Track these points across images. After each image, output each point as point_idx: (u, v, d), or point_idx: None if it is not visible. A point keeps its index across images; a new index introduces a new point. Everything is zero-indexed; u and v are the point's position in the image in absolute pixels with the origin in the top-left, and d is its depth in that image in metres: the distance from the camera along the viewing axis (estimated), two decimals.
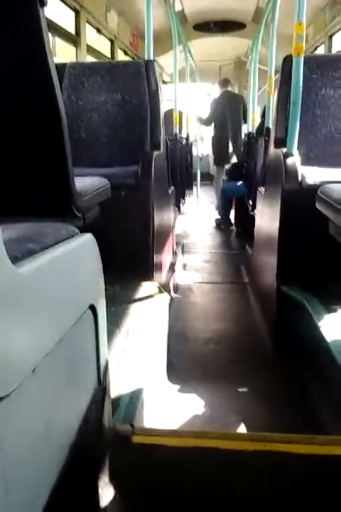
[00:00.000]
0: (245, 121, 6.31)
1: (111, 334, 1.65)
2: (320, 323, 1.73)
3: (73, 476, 0.75)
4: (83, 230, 0.92)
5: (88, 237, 0.86)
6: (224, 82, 6.42)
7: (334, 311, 1.82)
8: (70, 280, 0.74)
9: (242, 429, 1.61)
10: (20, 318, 0.57)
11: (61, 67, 2.50)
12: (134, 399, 1.34)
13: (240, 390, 1.89)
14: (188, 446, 1.08)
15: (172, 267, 3.11)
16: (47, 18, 1.02)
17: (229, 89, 6.48)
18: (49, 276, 0.66)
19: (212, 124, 6.48)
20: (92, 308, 0.84)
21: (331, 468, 1.03)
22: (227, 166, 6.16)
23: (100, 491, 0.93)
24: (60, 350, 0.68)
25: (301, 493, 0.97)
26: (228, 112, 6.17)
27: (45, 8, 0.95)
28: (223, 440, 1.10)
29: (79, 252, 0.82)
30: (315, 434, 1.15)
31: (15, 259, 0.60)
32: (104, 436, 0.95)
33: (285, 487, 0.98)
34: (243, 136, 6.24)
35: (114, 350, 1.56)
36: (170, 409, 1.72)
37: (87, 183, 1.51)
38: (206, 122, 6.60)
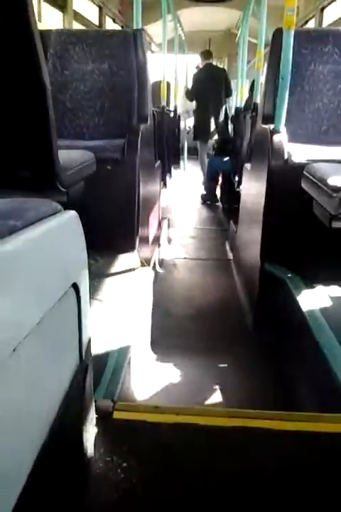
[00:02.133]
0: (227, 96, 6.20)
1: (94, 310, 1.65)
2: (300, 301, 1.75)
3: (55, 453, 0.75)
4: (67, 204, 0.90)
5: (72, 215, 0.84)
6: (207, 55, 6.23)
7: (316, 289, 1.84)
8: (53, 258, 0.73)
9: (222, 403, 1.64)
10: (1, 297, 0.56)
11: (46, 34, 2.42)
12: (116, 375, 1.35)
13: (222, 365, 1.92)
14: (169, 422, 1.10)
15: (157, 242, 3.10)
16: None
17: (212, 61, 6.31)
18: (31, 255, 0.65)
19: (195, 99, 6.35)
20: (75, 286, 0.83)
21: (307, 444, 1.06)
22: (212, 141, 6.09)
23: (82, 467, 0.94)
24: (42, 330, 0.67)
25: (279, 469, 0.99)
26: (210, 87, 5.99)
27: None
28: (203, 416, 1.12)
29: (62, 230, 0.80)
30: (293, 411, 1.18)
31: None
32: (85, 413, 0.96)
33: (264, 463, 1.00)
34: (227, 110, 6.16)
35: (97, 326, 1.56)
36: (153, 384, 1.74)
37: (71, 156, 1.48)
38: (188, 97, 6.44)
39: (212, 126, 6.11)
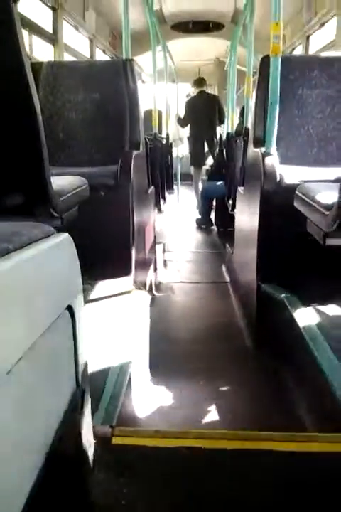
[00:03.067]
0: (221, 122, 6.32)
1: (90, 334, 1.63)
2: (299, 321, 1.75)
3: (52, 481, 0.74)
4: (62, 230, 0.90)
5: (65, 237, 0.85)
6: (200, 82, 6.38)
7: (313, 308, 1.84)
8: (46, 281, 0.73)
9: (223, 425, 1.62)
10: None
11: (38, 66, 2.47)
12: (114, 399, 1.33)
13: (221, 388, 1.90)
14: (169, 446, 1.08)
15: (153, 266, 3.10)
16: (22, 15, 1.00)
17: (205, 89, 6.45)
18: (24, 277, 0.65)
19: (188, 125, 6.47)
20: (70, 309, 0.83)
21: (310, 464, 1.04)
22: (205, 167, 6.17)
23: (81, 495, 0.92)
24: (36, 353, 0.66)
25: (282, 490, 0.97)
26: (203, 113, 6.13)
27: (19, 4, 0.94)
28: (204, 440, 1.10)
29: (56, 252, 0.80)
30: (294, 431, 1.16)
31: None
32: (83, 439, 0.94)
33: (266, 484, 0.98)
34: (218, 136, 6.27)
35: (94, 350, 1.54)
36: (152, 408, 1.71)
37: (64, 182, 1.49)
38: (182, 123, 6.57)
39: (207, 152, 6.21)
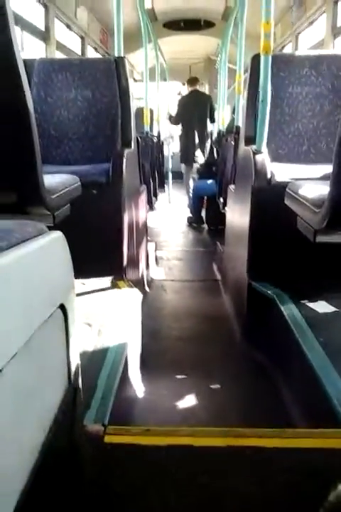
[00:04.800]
0: (212, 121, 6.35)
1: (82, 332, 1.63)
2: (289, 318, 1.76)
3: (44, 480, 0.73)
4: (53, 228, 0.90)
5: (57, 235, 0.84)
6: (193, 81, 6.42)
7: (303, 305, 1.85)
8: (38, 279, 0.72)
9: (214, 423, 1.62)
10: None
11: (30, 63, 2.46)
12: (106, 398, 1.33)
13: (212, 385, 1.91)
14: (161, 444, 1.08)
15: (144, 265, 3.10)
16: (14, 12, 1.00)
17: (198, 88, 6.48)
18: (16, 275, 0.65)
19: (180, 123, 6.49)
20: (62, 307, 0.83)
21: (300, 460, 1.05)
22: (196, 165, 6.19)
23: (73, 494, 0.92)
24: (29, 351, 0.66)
25: (274, 487, 0.98)
26: (195, 111, 6.18)
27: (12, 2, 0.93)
28: (195, 437, 1.11)
29: (48, 251, 0.80)
30: (284, 428, 1.17)
31: None
32: (75, 437, 0.94)
33: (258, 481, 0.99)
34: (212, 135, 6.29)
35: (86, 349, 1.54)
36: (144, 406, 1.72)
37: (56, 180, 1.48)
38: (174, 121, 6.59)
39: (198, 150, 6.23)
